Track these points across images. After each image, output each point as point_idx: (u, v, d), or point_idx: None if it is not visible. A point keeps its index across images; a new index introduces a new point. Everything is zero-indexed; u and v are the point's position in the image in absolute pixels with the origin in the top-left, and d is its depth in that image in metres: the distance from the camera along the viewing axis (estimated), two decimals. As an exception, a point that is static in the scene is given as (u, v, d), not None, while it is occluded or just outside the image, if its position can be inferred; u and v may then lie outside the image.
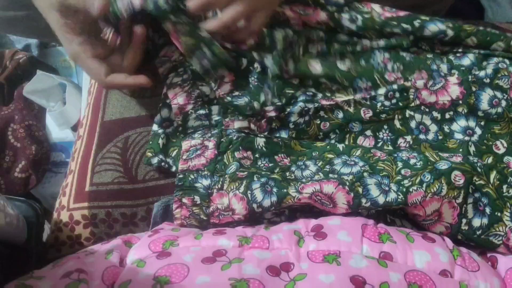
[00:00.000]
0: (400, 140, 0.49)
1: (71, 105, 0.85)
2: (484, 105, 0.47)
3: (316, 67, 0.50)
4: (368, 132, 0.49)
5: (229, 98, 0.50)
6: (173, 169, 0.50)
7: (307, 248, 0.37)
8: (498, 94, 0.48)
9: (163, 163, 0.50)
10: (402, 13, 0.52)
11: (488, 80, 0.48)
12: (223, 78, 0.50)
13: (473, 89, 0.48)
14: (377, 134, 0.49)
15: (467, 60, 0.51)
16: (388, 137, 0.49)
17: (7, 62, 0.89)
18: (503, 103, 0.47)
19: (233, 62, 0.50)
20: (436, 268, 0.36)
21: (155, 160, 0.50)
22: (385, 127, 0.49)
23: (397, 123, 0.49)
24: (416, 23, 0.50)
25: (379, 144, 0.49)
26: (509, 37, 0.50)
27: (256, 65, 0.50)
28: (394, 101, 0.49)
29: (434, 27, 0.50)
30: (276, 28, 0.50)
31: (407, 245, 0.37)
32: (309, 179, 0.43)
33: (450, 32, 0.50)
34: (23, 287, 0.31)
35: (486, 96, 0.48)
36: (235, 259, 0.35)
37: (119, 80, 0.47)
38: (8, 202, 0.47)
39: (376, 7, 0.52)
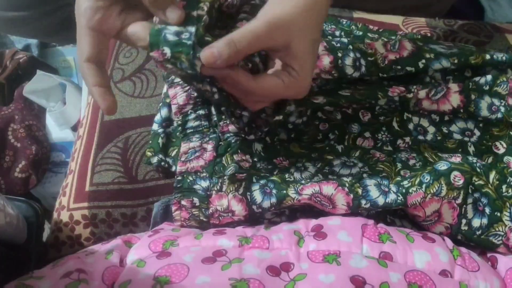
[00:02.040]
0: (399, 141, 0.49)
1: (71, 105, 0.85)
2: (484, 112, 0.47)
3: (319, 99, 0.48)
4: (367, 134, 0.49)
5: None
6: (173, 169, 0.50)
7: (307, 248, 0.37)
8: (496, 101, 0.47)
9: (162, 163, 0.50)
10: (405, 53, 0.50)
11: (487, 87, 0.48)
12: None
13: (473, 97, 0.48)
14: (376, 135, 0.49)
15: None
16: (387, 139, 0.49)
17: (7, 62, 0.89)
18: (502, 109, 0.47)
19: None
20: (436, 268, 0.36)
21: (154, 160, 0.50)
22: (384, 128, 0.49)
23: (395, 125, 0.49)
24: (421, 63, 0.49)
25: (378, 145, 0.49)
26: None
27: None
28: (396, 105, 0.49)
29: (438, 65, 0.49)
30: None
31: (407, 245, 0.37)
32: (308, 180, 0.43)
33: (452, 67, 0.49)
34: (23, 287, 0.31)
35: (484, 104, 0.47)
36: (235, 259, 0.35)
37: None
38: (8, 202, 0.47)
39: (379, 47, 0.50)
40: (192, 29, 0.36)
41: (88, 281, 0.33)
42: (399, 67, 0.49)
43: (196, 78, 0.39)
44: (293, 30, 0.35)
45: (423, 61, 0.49)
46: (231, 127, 0.48)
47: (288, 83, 0.36)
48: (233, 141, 0.47)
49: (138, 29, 0.37)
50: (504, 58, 0.49)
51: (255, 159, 0.46)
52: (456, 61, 0.49)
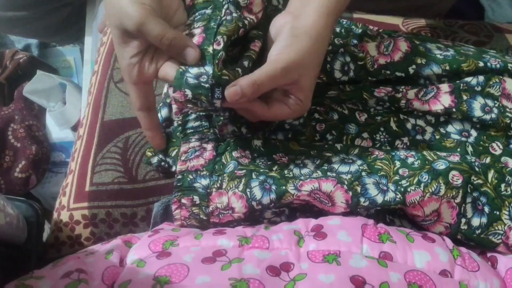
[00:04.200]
0: (397, 142, 0.49)
1: (71, 105, 0.85)
2: (477, 112, 0.47)
3: None
4: (365, 135, 0.49)
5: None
6: (173, 169, 0.50)
7: (307, 248, 0.37)
8: (489, 102, 0.47)
9: (163, 163, 0.50)
10: (397, 56, 0.49)
11: (479, 88, 0.47)
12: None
13: (464, 97, 0.47)
14: (374, 136, 0.49)
15: None
16: (385, 139, 0.49)
17: (7, 62, 0.89)
18: (495, 110, 0.47)
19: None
20: (436, 268, 0.36)
21: (155, 160, 0.50)
22: (382, 129, 0.49)
23: (393, 125, 0.49)
24: (411, 69, 0.49)
25: (377, 146, 0.49)
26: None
27: None
28: (386, 105, 0.49)
29: (429, 71, 0.49)
30: None
31: (407, 245, 0.37)
32: (308, 176, 0.43)
33: (444, 73, 0.49)
34: (23, 287, 0.31)
35: (477, 104, 0.47)
36: (235, 259, 0.35)
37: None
38: (8, 202, 0.47)
39: (372, 49, 0.50)
40: (210, 69, 0.39)
41: (88, 281, 0.33)
42: (388, 72, 0.49)
43: (213, 110, 0.43)
44: (302, 70, 0.41)
45: (413, 66, 0.49)
46: (230, 126, 0.48)
47: (294, 109, 0.43)
48: (232, 140, 0.47)
49: (167, 71, 0.42)
50: (498, 66, 0.48)
51: (255, 155, 0.46)
52: (447, 67, 0.48)
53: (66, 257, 0.37)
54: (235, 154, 0.46)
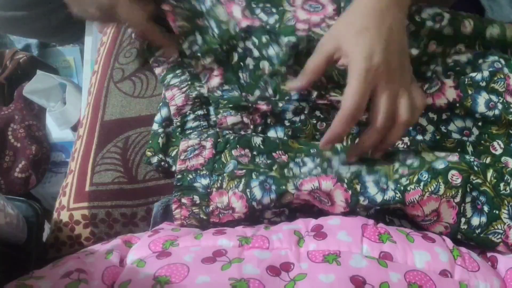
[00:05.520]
0: (398, 142, 0.49)
1: (71, 105, 0.85)
2: (481, 107, 0.47)
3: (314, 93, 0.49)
4: None
5: (219, 92, 0.50)
6: (173, 168, 0.50)
7: (307, 248, 0.37)
8: (494, 98, 0.47)
9: (162, 163, 0.50)
10: None
11: (484, 84, 0.48)
12: (212, 71, 0.50)
13: (469, 92, 0.48)
14: None
15: (463, 56, 0.50)
16: None
17: (7, 62, 0.89)
18: (499, 106, 0.47)
19: (223, 54, 0.50)
20: (436, 268, 0.36)
21: (154, 160, 0.50)
22: None
23: None
24: (413, 7, 0.50)
25: None
26: (504, 24, 0.50)
27: (248, 61, 0.50)
28: None
29: (431, 10, 0.50)
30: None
31: (407, 245, 0.37)
32: (307, 174, 0.43)
33: (446, 15, 0.50)
34: (23, 287, 0.31)
35: (482, 99, 0.47)
36: (235, 259, 0.35)
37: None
38: (8, 202, 0.47)
39: None
40: None
41: (88, 281, 0.33)
42: None
43: None
44: (338, 34, 0.41)
45: (415, 6, 0.49)
46: (229, 119, 0.48)
47: (345, 96, 0.40)
48: (231, 137, 0.47)
49: None
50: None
51: (255, 153, 0.46)
52: (447, 9, 0.50)
53: (66, 257, 0.37)
54: (234, 152, 0.46)
